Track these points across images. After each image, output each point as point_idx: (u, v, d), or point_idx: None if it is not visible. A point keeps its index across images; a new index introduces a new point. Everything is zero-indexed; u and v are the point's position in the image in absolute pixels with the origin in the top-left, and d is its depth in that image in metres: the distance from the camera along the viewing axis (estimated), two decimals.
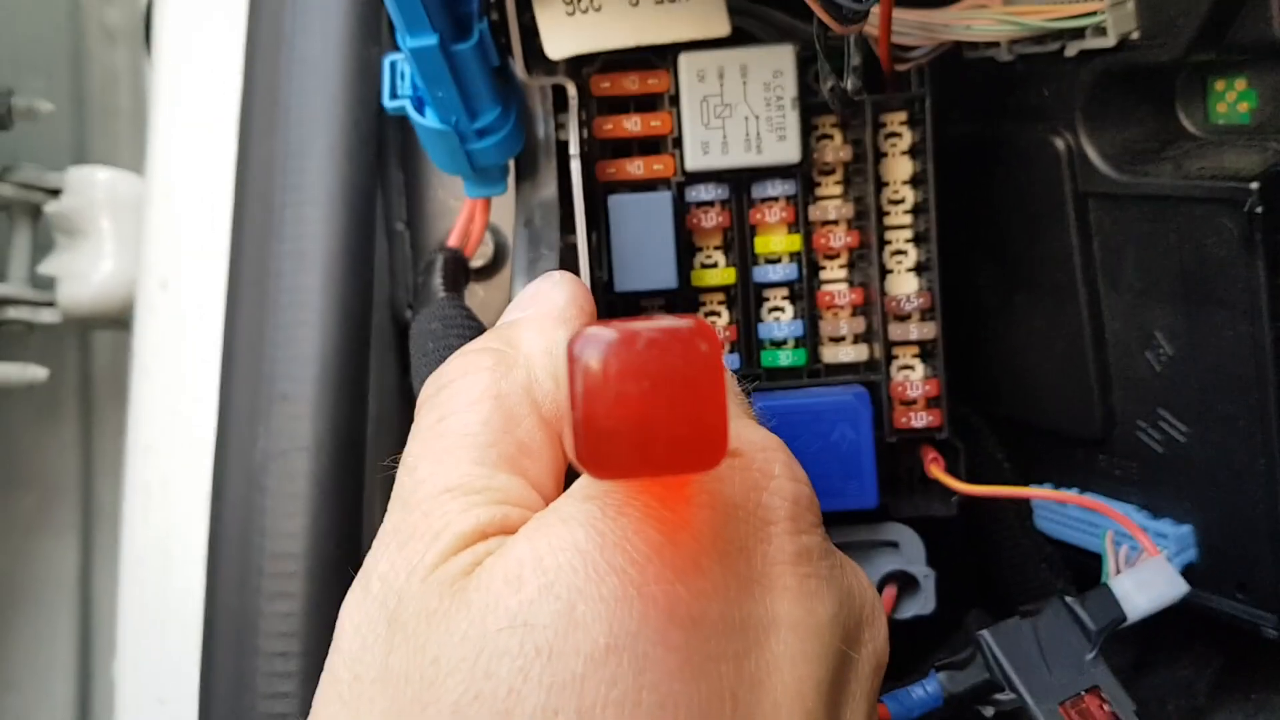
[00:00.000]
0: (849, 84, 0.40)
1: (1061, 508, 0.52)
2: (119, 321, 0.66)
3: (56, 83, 0.74)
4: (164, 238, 0.57)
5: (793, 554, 0.29)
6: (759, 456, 0.30)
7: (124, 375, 0.76)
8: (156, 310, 0.56)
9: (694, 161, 0.46)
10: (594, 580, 0.26)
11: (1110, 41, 0.43)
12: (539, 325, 0.35)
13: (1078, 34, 0.44)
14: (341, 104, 0.52)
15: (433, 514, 0.30)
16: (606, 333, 0.25)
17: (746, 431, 0.31)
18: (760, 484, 0.30)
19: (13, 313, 0.66)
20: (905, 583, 0.49)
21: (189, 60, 0.59)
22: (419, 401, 0.35)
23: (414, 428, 0.33)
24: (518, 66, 0.45)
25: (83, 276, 0.64)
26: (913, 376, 0.48)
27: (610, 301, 0.47)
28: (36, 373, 0.65)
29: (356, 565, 0.45)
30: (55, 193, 0.67)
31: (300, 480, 0.48)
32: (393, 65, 0.47)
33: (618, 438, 0.24)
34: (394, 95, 0.46)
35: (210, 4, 0.59)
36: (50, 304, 0.66)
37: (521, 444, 0.32)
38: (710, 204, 0.48)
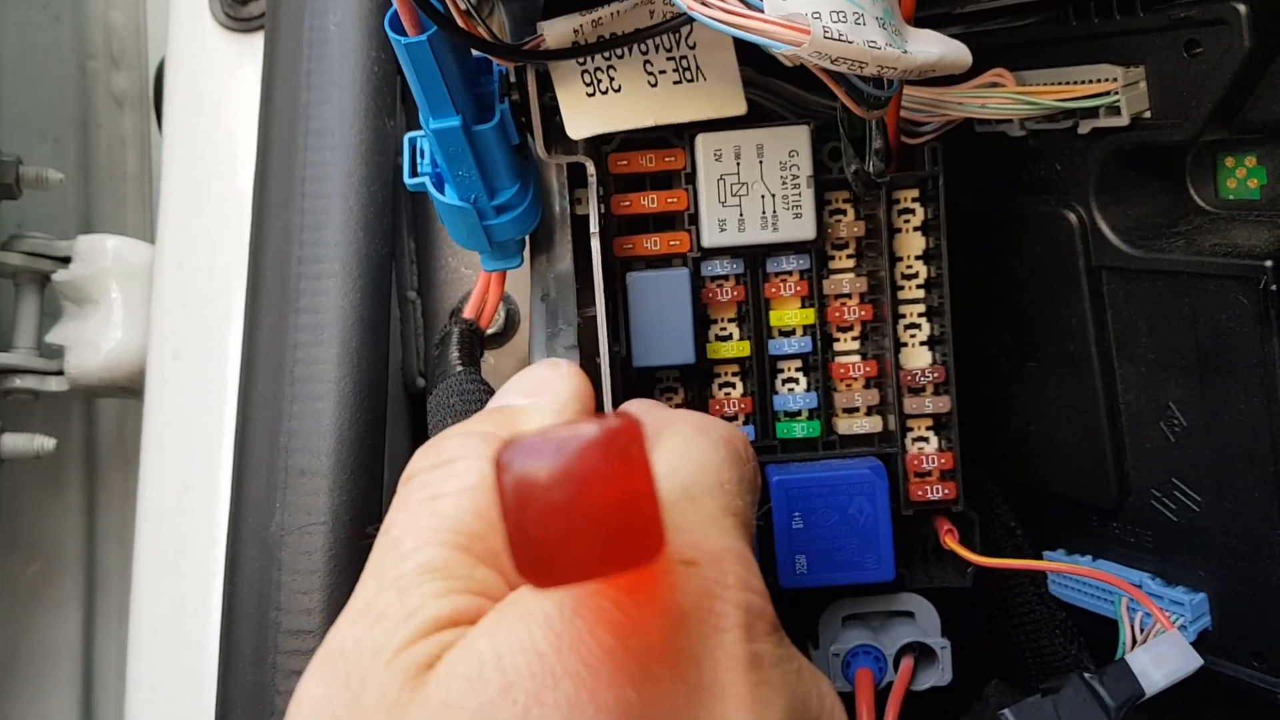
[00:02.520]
0: (871, 166, 0.40)
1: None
2: (126, 390, 0.66)
3: (64, 148, 0.75)
4: (175, 307, 0.57)
5: (744, 661, 0.29)
6: (714, 565, 0.31)
7: (129, 442, 0.76)
8: (168, 381, 0.56)
9: (711, 239, 0.47)
10: (550, 685, 0.27)
11: (1124, 121, 0.44)
12: (542, 419, 0.35)
13: (1091, 112, 0.45)
14: (358, 176, 0.52)
15: (409, 592, 0.30)
16: (532, 442, 0.25)
17: (707, 540, 0.32)
18: (714, 592, 0.30)
19: (19, 381, 0.66)
20: (922, 653, 0.49)
21: (200, 129, 0.59)
22: (409, 471, 0.35)
23: (401, 498, 0.34)
24: (538, 145, 0.45)
25: (91, 345, 0.64)
26: (927, 449, 0.48)
27: (628, 377, 0.47)
28: (44, 443, 0.65)
29: None
30: (63, 260, 0.67)
31: (317, 556, 0.47)
32: (412, 142, 0.47)
33: (550, 547, 0.25)
34: (414, 173, 0.47)
35: (223, 74, 0.59)
36: (58, 373, 0.66)
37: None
38: (725, 278, 0.48)
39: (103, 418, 0.75)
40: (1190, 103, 0.43)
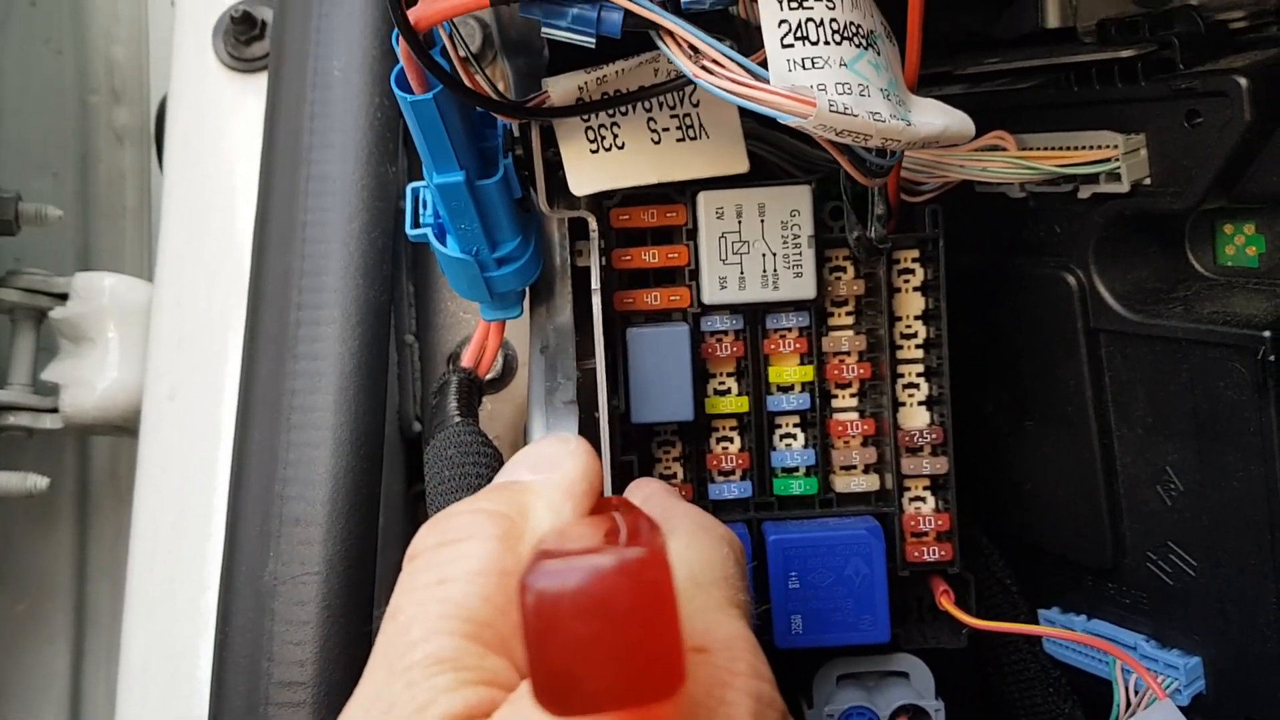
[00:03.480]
0: (873, 232, 0.40)
1: None
2: (121, 429, 0.66)
3: (63, 182, 0.75)
4: (172, 346, 0.57)
5: None
6: (725, 653, 0.30)
7: (122, 479, 0.76)
8: (164, 422, 0.56)
9: (711, 296, 0.47)
10: None
11: (1124, 188, 0.44)
12: (550, 498, 0.34)
13: (1091, 178, 0.45)
14: (359, 222, 0.52)
15: (419, 685, 0.29)
16: (559, 567, 0.24)
17: (717, 627, 0.31)
18: (725, 680, 0.30)
19: (13, 419, 0.65)
20: (916, 715, 0.49)
21: (201, 168, 0.59)
22: (414, 549, 0.34)
23: (406, 579, 0.33)
24: (540, 200, 0.45)
25: (87, 384, 0.64)
26: (924, 509, 0.48)
27: (626, 432, 0.47)
28: (37, 481, 0.64)
29: None
30: (61, 297, 0.66)
31: (310, 606, 0.47)
32: (415, 193, 0.47)
33: (571, 678, 0.24)
34: (416, 224, 0.47)
35: (225, 114, 0.59)
36: (52, 410, 0.65)
37: (517, 627, 0.31)
38: (725, 333, 0.48)
39: (96, 454, 0.75)
40: (1190, 172, 0.43)
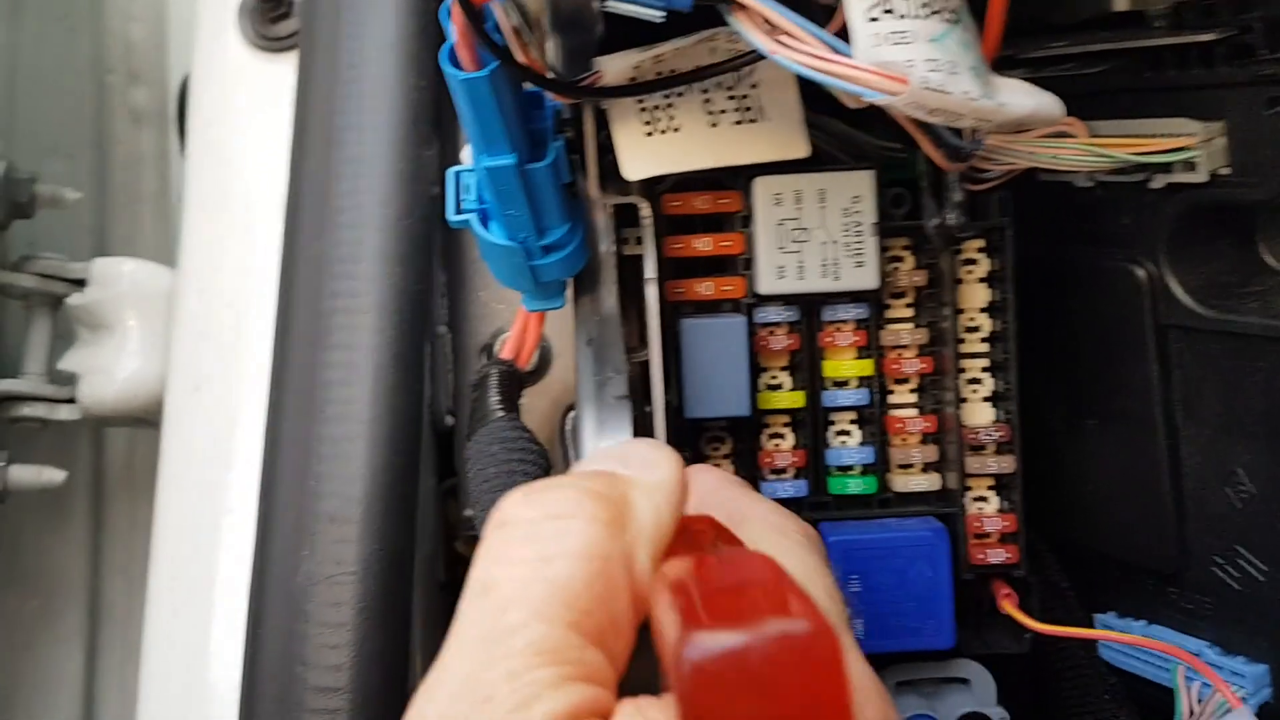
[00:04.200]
0: (953, 219, 0.39)
1: None
2: (141, 420, 0.64)
3: (79, 165, 0.72)
4: (197, 337, 0.55)
5: None
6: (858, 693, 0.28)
7: (138, 471, 0.74)
8: (188, 414, 0.54)
9: (769, 286, 0.45)
10: None
11: (1202, 177, 0.42)
12: (653, 498, 0.32)
13: (1165, 167, 0.43)
14: (394, 208, 0.50)
15: (520, 676, 0.27)
16: (718, 641, 0.23)
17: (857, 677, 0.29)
18: None
19: (28, 409, 0.63)
20: None
21: (226, 152, 0.57)
22: (507, 516, 0.31)
23: (500, 549, 0.30)
24: (591, 185, 0.43)
25: (106, 373, 0.61)
26: (987, 509, 0.46)
27: (679, 427, 0.45)
28: (53, 475, 0.62)
29: (403, 699, 0.42)
30: (77, 283, 0.64)
31: (346, 608, 0.45)
32: (456, 176, 0.45)
33: None
34: (458, 209, 0.45)
35: (251, 96, 0.57)
36: (69, 400, 0.63)
37: (614, 620, 0.29)
38: (779, 325, 0.46)
39: (111, 446, 0.73)
40: (1271, 161, 0.41)
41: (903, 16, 0.33)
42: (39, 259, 0.65)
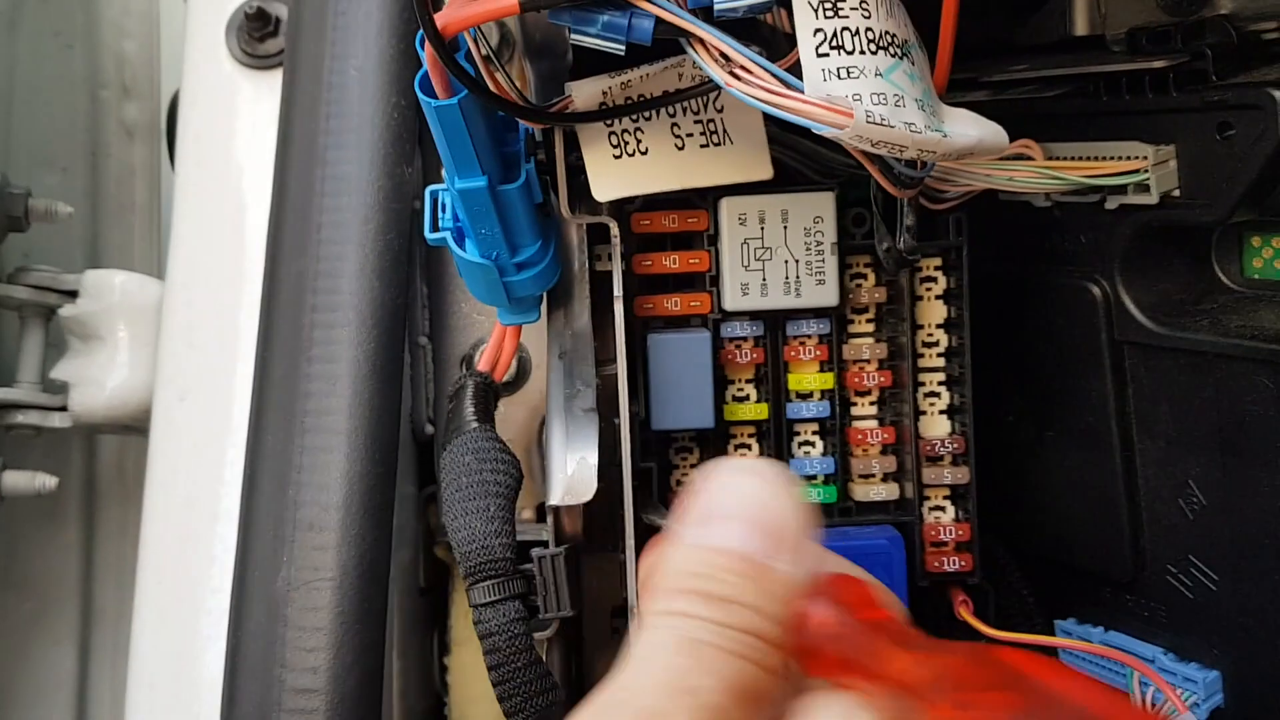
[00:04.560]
0: (903, 243, 0.40)
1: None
2: (130, 428, 0.65)
3: (73, 177, 0.74)
4: (183, 346, 0.57)
5: None
6: None
7: (129, 476, 0.75)
8: (175, 422, 0.55)
9: (733, 302, 0.46)
10: None
11: (1153, 199, 0.44)
12: (795, 583, 0.27)
13: (1119, 189, 0.45)
14: (375, 224, 0.51)
15: None
16: None
17: None
18: None
19: (21, 417, 0.65)
20: None
21: (214, 166, 0.58)
22: (670, 582, 0.28)
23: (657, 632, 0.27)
24: (562, 205, 0.45)
25: (97, 383, 0.63)
26: (944, 519, 0.48)
27: (645, 439, 0.47)
28: (46, 481, 0.64)
29: (377, 699, 0.44)
30: (70, 294, 0.66)
31: (324, 612, 0.47)
32: (434, 195, 0.46)
33: None
34: (435, 227, 0.46)
35: (239, 111, 0.59)
36: (61, 409, 0.65)
37: None
38: (744, 339, 0.48)
39: (103, 451, 0.74)
40: (1221, 185, 0.42)
41: (850, 52, 0.34)
42: (32, 271, 0.67)
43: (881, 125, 0.33)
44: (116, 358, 0.63)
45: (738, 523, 0.28)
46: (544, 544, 0.45)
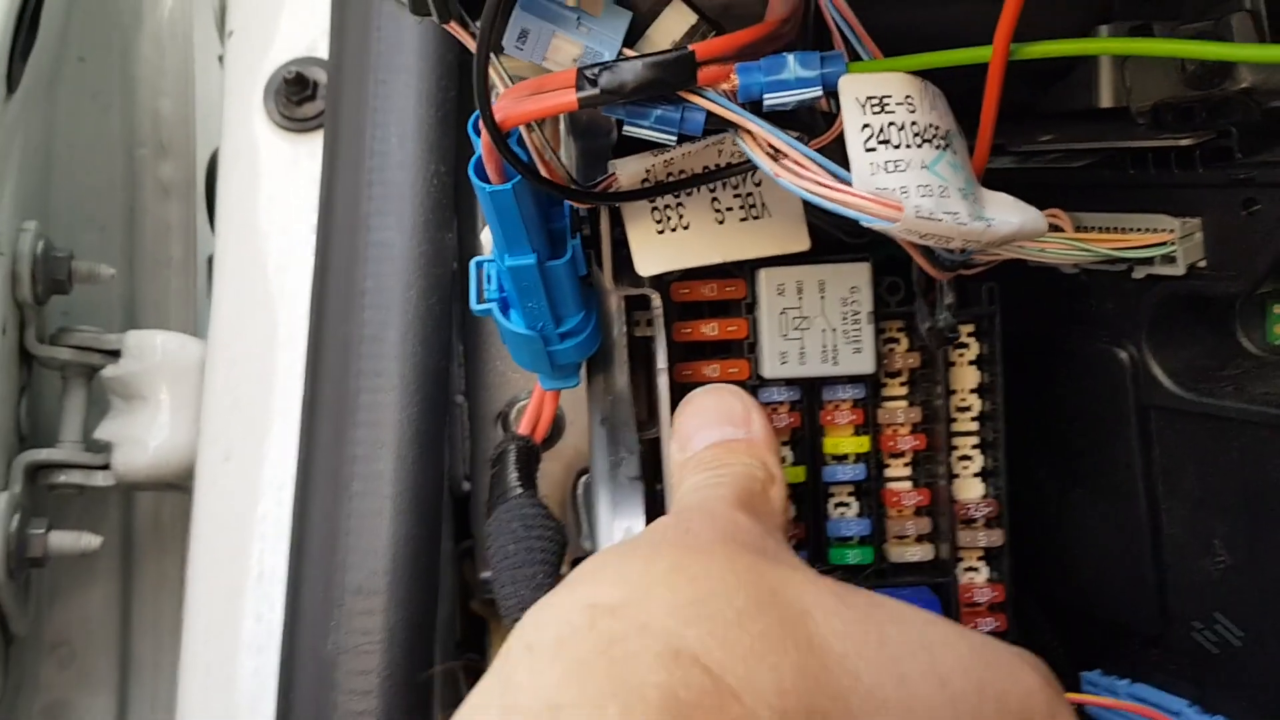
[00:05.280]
0: (943, 322, 0.41)
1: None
2: (173, 486, 0.66)
3: (111, 236, 0.75)
4: (227, 407, 0.58)
5: None
6: None
7: (165, 532, 0.77)
8: (219, 483, 0.57)
9: (772, 370, 0.47)
10: None
11: (1179, 270, 0.45)
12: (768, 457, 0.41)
13: (1146, 260, 0.46)
14: (417, 289, 0.53)
15: None
16: None
17: None
18: None
19: (64, 477, 0.66)
20: None
21: (254, 228, 0.60)
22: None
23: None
24: (607, 279, 0.46)
25: (140, 443, 0.64)
26: (978, 579, 0.49)
27: None
28: (90, 541, 0.65)
29: None
30: (111, 354, 0.67)
31: (373, 676, 0.48)
32: (479, 266, 0.48)
33: None
34: (480, 299, 0.47)
35: (277, 174, 0.60)
36: (104, 467, 0.66)
37: None
38: (781, 404, 0.49)
39: (139, 508, 0.75)
40: (1246, 257, 0.44)
41: (897, 145, 0.36)
42: (75, 331, 0.68)
43: (930, 220, 0.35)
44: (159, 417, 0.64)
45: (712, 427, 0.42)
46: None
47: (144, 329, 0.68)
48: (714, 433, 0.41)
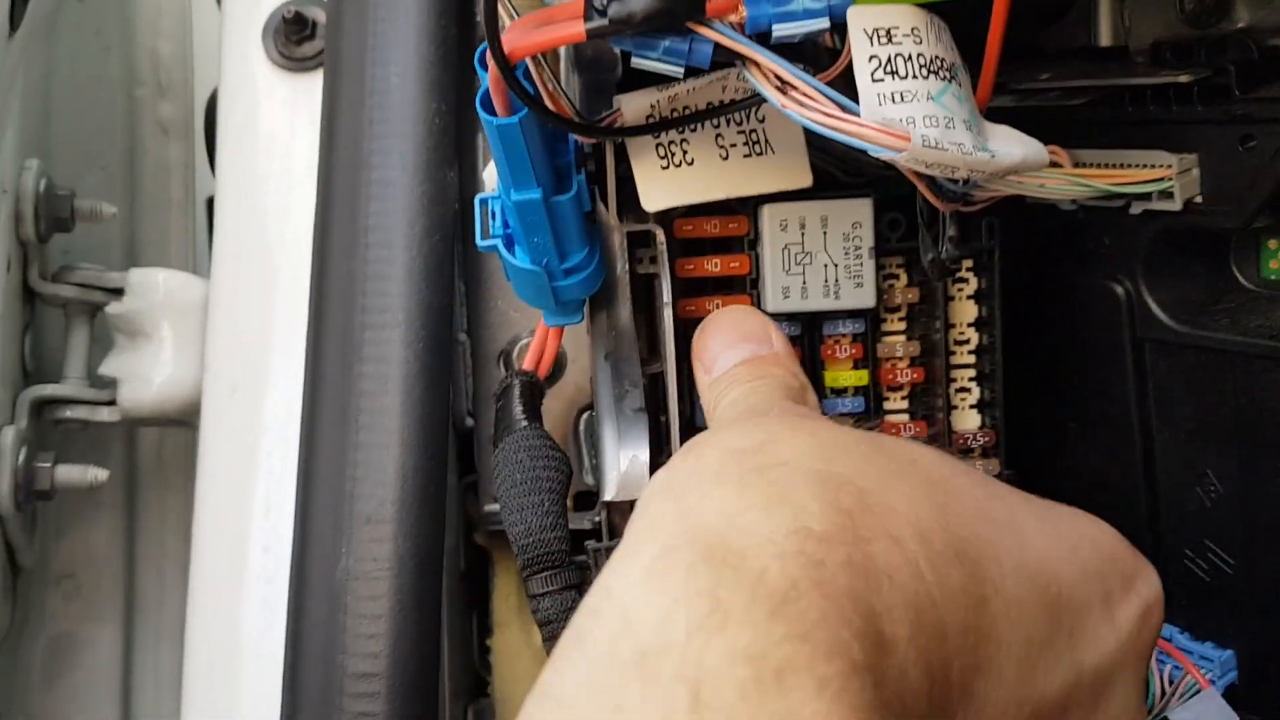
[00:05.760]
0: (945, 254, 0.42)
1: None
2: (177, 421, 0.67)
3: (112, 176, 0.75)
4: (230, 343, 0.58)
5: None
6: None
7: (167, 466, 0.77)
8: (225, 416, 0.57)
9: (775, 305, 0.48)
10: None
11: (1176, 206, 0.46)
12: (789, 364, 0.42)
13: (1144, 196, 0.47)
14: (420, 227, 0.53)
15: None
16: None
17: None
18: None
19: (70, 412, 0.67)
20: None
21: (254, 167, 0.60)
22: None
23: None
24: (611, 214, 0.47)
25: (144, 379, 0.65)
26: None
27: (691, 435, 0.49)
28: (98, 474, 0.66)
29: (434, 682, 0.46)
30: (114, 291, 0.67)
31: (383, 600, 0.49)
32: (483, 203, 0.48)
33: None
34: (485, 234, 0.48)
35: (277, 113, 0.60)
36: (109, 403, 0.67)
37: None
38: None
39: (143, 443, 0.76)
40: (1242, 193, 0.44)
41: (904, 76, 0.36)
42: (77, 269, 0.68)
43: (936, 149, 0.35)
44: (162, 354, 0.65)
45: (736, 346, 0.43)
46: (591, 534, 0.48)
47: (145, 267, 0.69)
48: (739, 351, 0.42)
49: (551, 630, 0.45)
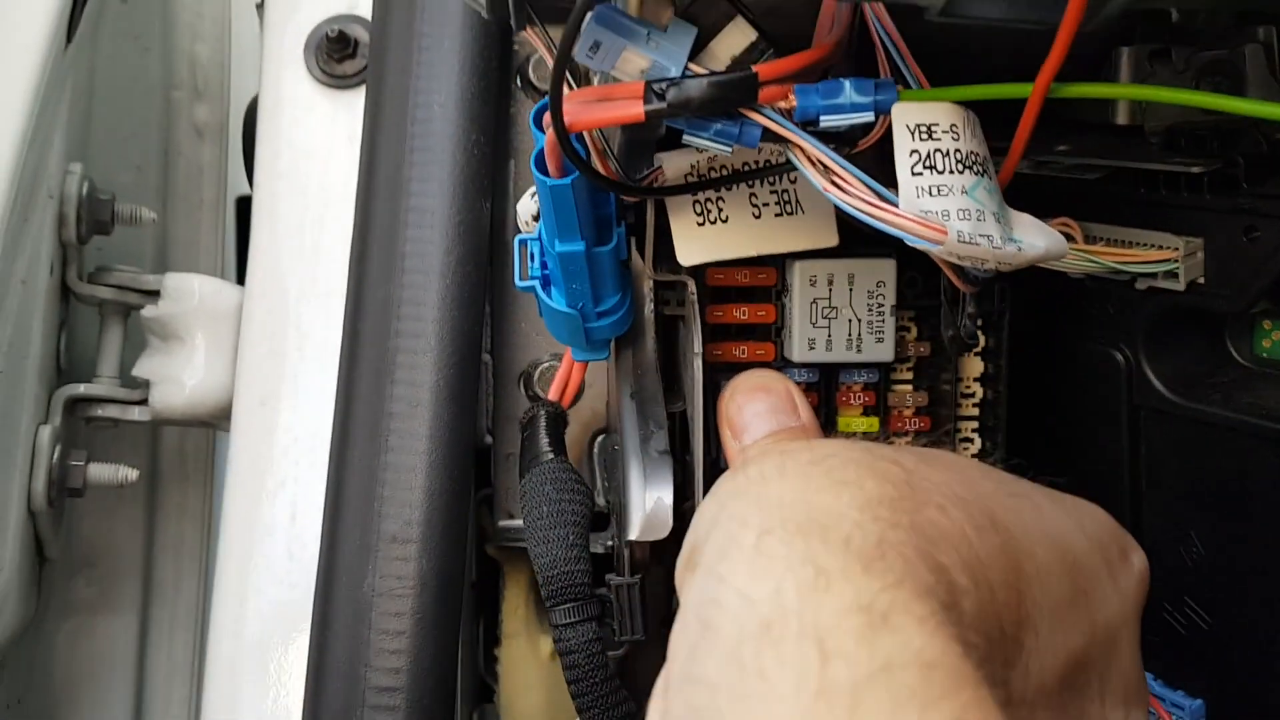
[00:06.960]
0: (963, 329, 0.45)
1: None
2: (207, 424, 0.69)
3: (146, 176, 0.77)
4: (263, 354, 0.60)
5: None
6: None
7: (188, 462, 0.80)
8: (255, 427, 0.59)
9: (800, 355, 0.51)
10: None
11: (1180, 286, 0.48)
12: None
13: (1149, 275, 0.49)
14: (456, 255, 0.55)
15: None
16: None
17: None
18: None
19: (102, 411, 0.68)
20: None
21: (293, 181, 0.62)
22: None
23: None
24: (648, 266, 0.49)
25: (177, 381, 0.66)
26: None
27: (715, 477, 0.51)
28: (128, 473, 0.67)
29: (453, 695, 0.49)
30: (148, 294, 0.69)
31: (406, 618, 0.51)
32: (523, 244, 0.50)
33: None
34: (524, 275, 0.50)
35: (316, 129, 0.62)
36: (140, 402, 0.68)
37: None
38: (801, 384, 0.52)
39: (165, 440, 0.78)
40: (1244, 280, 0.47)
41: (941, 171, 0.39)
42: (114, 270, 0.70)
43: (970, 244, 0.38)
44: (195, 359, 0.67)
45: (765, 417, 0.44)
46: (603, 558, 0.50)
47: (178, 270, 0.70)
48: (769, 422, 0.44)
49: (572, 660, 0.47)
